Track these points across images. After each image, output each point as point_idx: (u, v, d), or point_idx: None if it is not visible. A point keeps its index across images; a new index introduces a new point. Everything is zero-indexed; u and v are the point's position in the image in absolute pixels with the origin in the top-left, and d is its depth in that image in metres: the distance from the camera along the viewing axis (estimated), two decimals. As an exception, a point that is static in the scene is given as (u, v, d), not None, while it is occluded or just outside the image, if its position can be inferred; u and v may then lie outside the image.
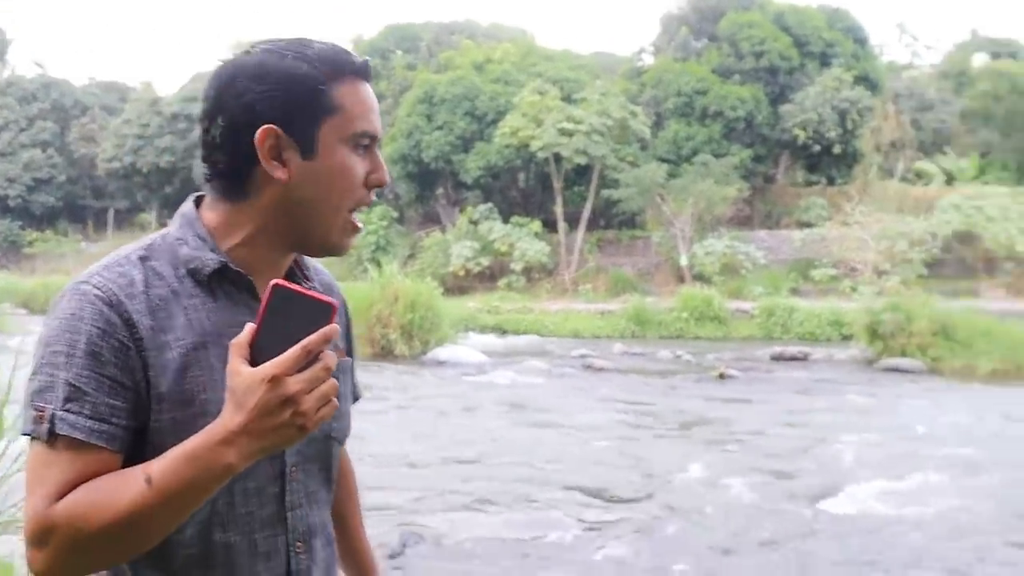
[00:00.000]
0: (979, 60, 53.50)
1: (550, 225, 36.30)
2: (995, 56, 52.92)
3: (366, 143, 1.32)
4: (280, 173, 1.29)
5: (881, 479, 8.81)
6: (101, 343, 1.21)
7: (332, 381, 1.15)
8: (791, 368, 18.40)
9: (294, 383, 1.11)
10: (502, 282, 34.15)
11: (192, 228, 1.33)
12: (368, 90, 1.33)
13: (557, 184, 35.78)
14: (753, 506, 8.04)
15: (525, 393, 14.85)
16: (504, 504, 7.97)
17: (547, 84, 36.74)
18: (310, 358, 1.13)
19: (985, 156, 42.98)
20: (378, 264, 21.43)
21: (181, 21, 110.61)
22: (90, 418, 1.20)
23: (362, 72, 1.32)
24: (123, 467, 1.22)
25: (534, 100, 35.34)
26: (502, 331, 25.64)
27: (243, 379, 1.13)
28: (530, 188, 39.87)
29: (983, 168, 41.58)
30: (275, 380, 1.11)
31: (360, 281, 21.72)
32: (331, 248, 1.35)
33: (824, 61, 38.36)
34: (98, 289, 1.24)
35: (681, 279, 32.47)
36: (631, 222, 37.19)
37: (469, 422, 12.21)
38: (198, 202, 1.38)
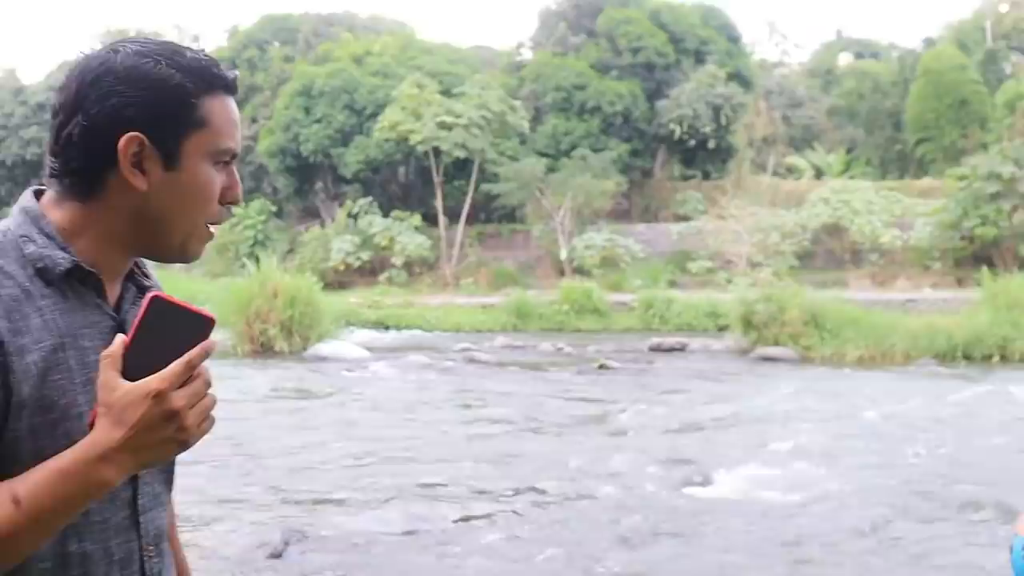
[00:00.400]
0: (844, 59, 55.47)
1: (431, 219, 36.21)
2: (859, 56, 54.95)
3: (227, 159, 1.30)
4: (139, 182, 1.24)
5: (760, 465, 9.05)
6: None
7: (212, 395, 1.15)
8: (669, 359, 18.77)
9: (178, 398, 1.11)
10: (383, 277, 33.93)
11: (37, 225, 1.25)
12: (234, 106, 1.31)
13: (437, 178, 35.71)
14: (635, 495, 8.17)
15: (407, 388, 14.79)
16: (388, 499, 7.91)
17: (426, 78, 36.63)
18: (190, 373, 1.12)
19: (851, 152, 44.61)
20: (256, 259, 21.05)
21: (46, 5, 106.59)
22: None
23: (231, 88, 1.30)
24: None
25: (413, 93, 35.20)
26: (384, 326, 25.47)
27: (123, 394, 1.10)
28: (410, 182, 39.71)
29: (849, 163, 43.14)
30: (160, 395, 1.09)
31: (238, 277, 21.32)
32: (185, 257, 1.33)
33: (699, 58, 39.19)
34: None
35: (561, 272, 32.77)
36: (511, 216, 37.38)
37: (351, 418, 12.10)
38: (38, 196, 1.31)
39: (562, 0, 42.12)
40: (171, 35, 51.20)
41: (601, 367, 17.00)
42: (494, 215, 37.68)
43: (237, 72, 1.32)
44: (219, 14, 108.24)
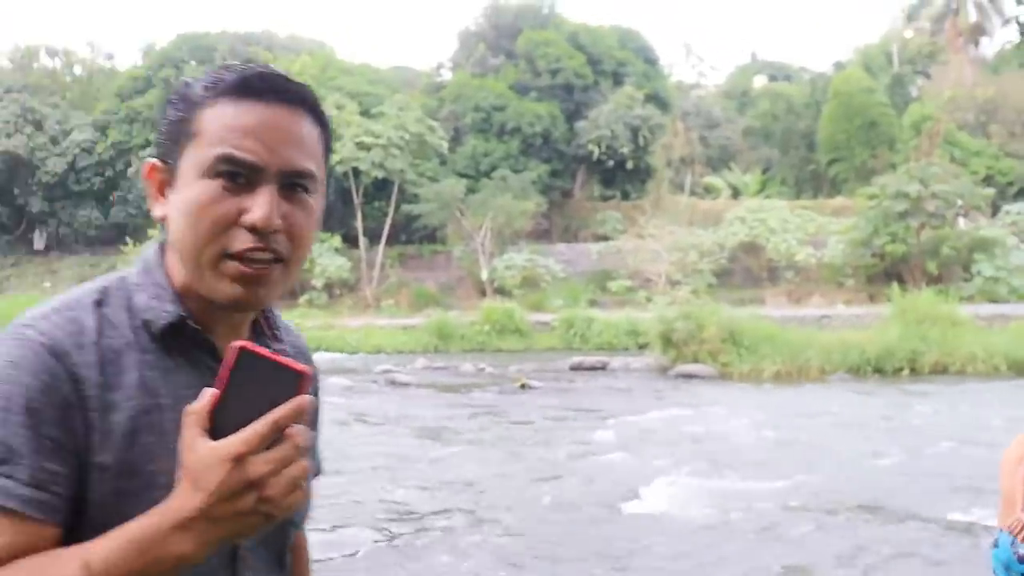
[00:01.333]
0: (759, 82, 56.66)
1: (351, 240, 36.00)
2: (772, 78, 56.16)
3: (233, 171, 1.10)
4: (158, 211, 1.16)
5: (681, 481, 9.11)
6: (42, 399, 1.04)
7: (303, 463, 1.00)
8: (590, 377, 18.86)
9: (261, 464, 0.97)
10: (303, 299, 33.61)
11: (151, 275, 1.17)
12: (246, 108, 1.12)
13: (357, 199, 35.55)
14: (557, 511, 8.16)
15: (327, 411, 14.57)
16: (308, 524, 7.78)
17: (345, 98, 36.49)
18: (278, 434, 0.99)
19: (766, 171, 45.51)
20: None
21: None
22: (27, 485, 1.03)
23: (237, 89, 1.12)
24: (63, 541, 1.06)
25: (332, 114, 35.03)
26: (304, 348, 25.19)
27: (201, 456, 0.98)
28: (330, 203, 39.35)
29: (764, 183, 44.01)
30: (239, 459, 0.97)
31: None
32: (215, 299, 1.13)
33: (617, 80, 39.67)
34: (43, 335, 1.07)
35: (483, 293, 32.80)
36: (432, 237, 37.34)
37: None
38: (165, 245, 1.20)
39: (481, 21, 42.35)
40: (84, 53, 50.23)
41: (523, 387, 17.01)
42: (415, 236, 37.60)
43: (259, 70, 1.14)
44: (134, 32, 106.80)
